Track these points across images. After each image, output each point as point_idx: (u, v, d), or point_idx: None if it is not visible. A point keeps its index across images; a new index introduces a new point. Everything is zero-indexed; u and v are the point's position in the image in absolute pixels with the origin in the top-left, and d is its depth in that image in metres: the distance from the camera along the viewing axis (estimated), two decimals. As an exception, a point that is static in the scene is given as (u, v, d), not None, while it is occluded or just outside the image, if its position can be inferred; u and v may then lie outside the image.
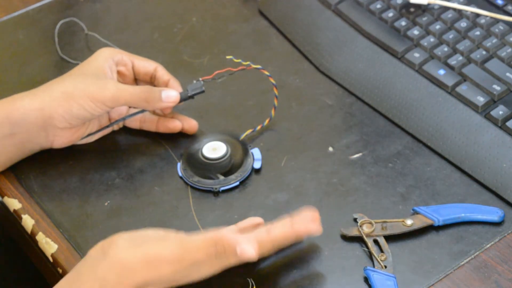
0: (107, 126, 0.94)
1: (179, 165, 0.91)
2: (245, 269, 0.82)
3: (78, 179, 0.92)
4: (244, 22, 1.11)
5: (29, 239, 0.90)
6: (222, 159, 0.89)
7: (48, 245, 0.87)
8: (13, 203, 0.91)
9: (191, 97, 0.93)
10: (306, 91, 1.00)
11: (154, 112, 0.96)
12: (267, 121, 0.94)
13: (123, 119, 0.93)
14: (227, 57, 0.89)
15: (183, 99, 0.92)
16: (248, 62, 0.89)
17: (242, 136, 0.93)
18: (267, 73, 0.89)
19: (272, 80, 0.90)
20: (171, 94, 0.91)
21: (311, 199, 0.88)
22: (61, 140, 0.92)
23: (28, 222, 0.89)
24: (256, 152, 0.91)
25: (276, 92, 0.88)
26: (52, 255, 0.86)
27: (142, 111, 0.93)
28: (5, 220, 0.94)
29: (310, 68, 1.03)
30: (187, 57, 1.06)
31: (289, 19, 1.08)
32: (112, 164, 0.93)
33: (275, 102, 0.88)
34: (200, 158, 0.90)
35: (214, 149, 0.90)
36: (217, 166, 0.90)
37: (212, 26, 1.10)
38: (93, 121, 0.93)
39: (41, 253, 0.88)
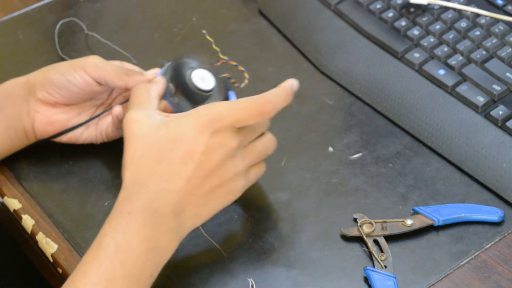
0: (93, 118, 0.92)
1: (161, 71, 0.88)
2: (245, 269, 0.82)
3: (78, 179, 0.92)
4: (244, 22, 1.11)
5: (29, 239, 0.90)
6: (211, 92, 0.86)
7: (48, 245, 0.87)
8: (13, 203, 0.91)
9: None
10: (306, 91, 1.00)
11: None
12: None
13: (110, 109, 0.92)
14: (203, 30, 0.89)
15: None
16: (227, 57, 0.90)
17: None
18: (234, 63, 0.90)
19: (241, 68, 0.90)
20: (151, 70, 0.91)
21: (311, 199, 0.88)
22: (41, 118, 0.91)
23: (28, 222, 0.89)
24: (232, 96, 0.88)
25: (246, 75, 0.88)
26: (52, 255, 0.86)
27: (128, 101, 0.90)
28: (5, 220, 0.95)
29: (310, 68, 1.03)
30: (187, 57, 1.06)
31: (289, 19, 1.08)
32: (112, 164, 0.93)
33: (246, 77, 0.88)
34: (188, 82, 0.86)
35: (202, 79, 0.86)
36: (204, 98, 0.86)
37: (212, 26, 1.10)
38: (79, 115, 0.93)
39: (41, 253, 0.88)
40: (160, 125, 0.79)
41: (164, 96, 0.86)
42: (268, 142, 0.84)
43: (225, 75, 0.90)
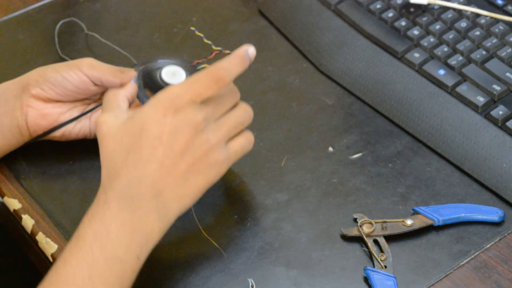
0: (83, 114, 0.93)
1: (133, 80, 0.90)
2: (245, 269, 0.82)
3: (78, 179, 0.92)
4: (244, 22, 1.11)
5: (29, 239, 0.90)
6: None
7: (48, 245, 0.87)
8: (13, 203, 0.91)
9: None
10: (306, 91, 1.00)
11: None
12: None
13: (101, 104, 0.93)
14: (191, 27, 0.90)
15: None
16: (219, 48, 0.91)
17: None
18: (227, 52, 0.90)
19: (226, 52, 0.90)
20: None
21: (311, 199, 0.88)
22: (34, 112, 0.91)
23: (28, 222, 0.89)
24: None
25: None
26: (52, 255, 0.86)
27: None
28: (5, 220, 0.95)
29: (310, 68, 1.03)
30: (187, 57, 1.06)
31: (289, 19, 1.09)
32: (112, 164, 0.93)
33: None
34: (158, 81, 0.88)
35: (173, 74, 0.88)
36: None
37: (212, 26, 1.10)
38: (72, 110, 0.93)
39: (41, 253, 0.88)
40: (126, 120, 0.81)
41: (140, 99, 0.87)
42: (241, 111, 0.84)
43: (204, 65, 0.90)
